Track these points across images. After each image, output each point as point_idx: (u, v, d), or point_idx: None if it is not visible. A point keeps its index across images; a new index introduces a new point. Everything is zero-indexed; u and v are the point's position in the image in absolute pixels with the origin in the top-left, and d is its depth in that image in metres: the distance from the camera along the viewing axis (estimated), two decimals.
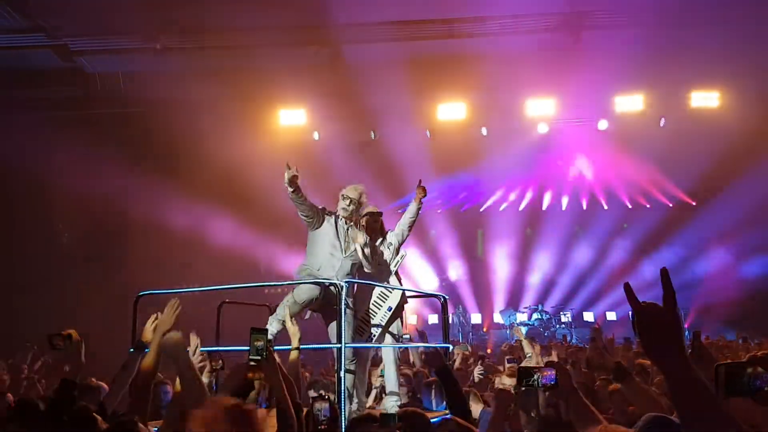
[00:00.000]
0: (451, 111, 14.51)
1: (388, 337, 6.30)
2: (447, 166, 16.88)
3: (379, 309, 6.11)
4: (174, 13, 11.37)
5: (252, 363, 3.16)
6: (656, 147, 15.46)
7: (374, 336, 6.09)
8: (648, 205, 18.74)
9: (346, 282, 5.41)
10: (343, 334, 5.06)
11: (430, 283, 19.34)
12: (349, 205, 6.09)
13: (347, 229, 6.08)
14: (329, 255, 5.97)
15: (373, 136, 14.96)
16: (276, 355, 3.43)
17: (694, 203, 18.11)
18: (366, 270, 6.07)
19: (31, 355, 10.48)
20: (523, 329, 17.27)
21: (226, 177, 14.21)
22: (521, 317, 18.31)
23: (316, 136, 14.84)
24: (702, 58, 12.39)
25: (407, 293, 6.51)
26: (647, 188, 18.45)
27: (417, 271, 19.23)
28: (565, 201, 19.13)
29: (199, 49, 12.48)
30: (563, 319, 17.88)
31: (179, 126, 13.35)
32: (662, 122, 14.40)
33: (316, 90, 13.34)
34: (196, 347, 4.69)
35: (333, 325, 5.70)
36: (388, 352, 6.15)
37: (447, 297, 6.58)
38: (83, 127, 14.07)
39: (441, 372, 4.27)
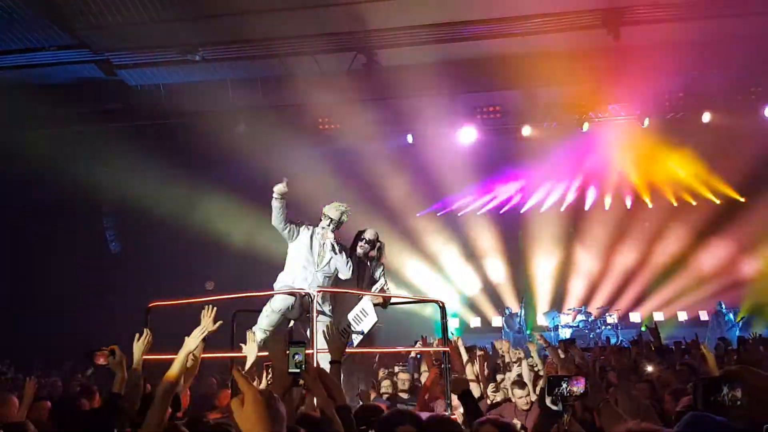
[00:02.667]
0: (489, 112, 14.44)
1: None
2: (485, 167, 16.79)
3: (353, 331, 6.22)
4: (212, 25, 11.53)
5: (291, 375, 3.19)
6: (702, 142, 15.12)
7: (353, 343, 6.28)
8: (694, 203, 18.30)
9: (316, 291, 5.68)
10: (314, 340, 5.22)
11: (472, 286, 19.29)
12: (328, 225, 6.41)
13: (322, 245, 6.36)
14: (302, 268, 6.29)
15: (410, 140, 14.95)
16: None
17: (743, 199, 17.62)
18: (342, 277, 6.32)
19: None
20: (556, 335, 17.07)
21: (265, 184, 14.34)
22: (565, 319, 18.06)
23: (353, 141, 14.90)
24: (746, 49, 12.08)
25: (405, 298, 6.81)
26: (693, 185, 18.03)
27: (458, 276, 19.18)
28: (608, 200, 18.81)
29: (237, 59, 12.66)
30: (609, 320, 17.57)
31: (219, 135, 13.56)
32: (706, 117, 14.07)
33: (352, 96, 13.40)
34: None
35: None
36: None
37: (444, 302, 6.68)
38: (128, 138, 14.41)
39: (463, 396, 4.11)
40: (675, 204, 18.45)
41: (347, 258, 6.53)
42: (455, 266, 19.20)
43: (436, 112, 14.46)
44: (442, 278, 18.92)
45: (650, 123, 14.36)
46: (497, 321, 18.61)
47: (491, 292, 19.30)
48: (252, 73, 13.39)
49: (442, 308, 6.55)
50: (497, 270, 19.48)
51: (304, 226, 6.52)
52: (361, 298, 6.36)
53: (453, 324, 18.00)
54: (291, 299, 6.12)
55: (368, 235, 6.82)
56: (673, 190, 18.33)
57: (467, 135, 14.87)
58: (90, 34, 11.56)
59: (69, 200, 14.89)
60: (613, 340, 16.07)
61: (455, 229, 18.84)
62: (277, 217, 6.39)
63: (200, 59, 12.15)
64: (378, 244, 6.86)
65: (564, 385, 3.11)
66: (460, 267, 19.24)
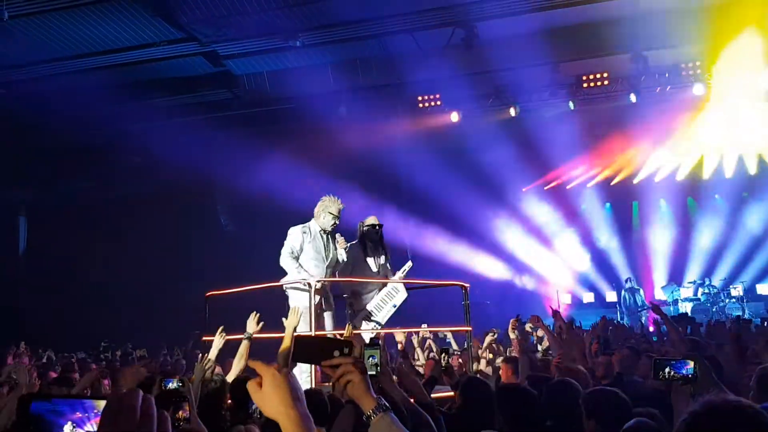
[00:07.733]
0: (596, 79, 13.88)
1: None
2: (593, 137, 16.18)
3: (385, 305, 6.73)
4: (311, 10, 11.72)
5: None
6: None
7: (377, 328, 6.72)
8: None
9: (316, 281, 6.13)
10: (311, 324, 5.86)
11: (582, 262, 18.77)
12: (333, 224, 6.70)
13: (326, 239, 6.73)
14: (314, 267, 6.60)
15: (513, 113, 14.60)
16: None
17: None
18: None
19: (192, 342, 11.33)
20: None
21: (366, 162, 14.55)
22: (686, 292, 17.22)
23: (454, 117, 14.75)
24: None
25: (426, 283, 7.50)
26: None
27: (568, 251, 18.72)
28: (729, 166, 17.63)
29: (335, 42, 12.81)
30: (733, 293, 16.58)
31: (321, 118, 13.82)
32: None
33: (452, 71, 13.27)
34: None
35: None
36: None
37: (468, 285, 6.94)
38: (236, 126, 15.01)
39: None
40: None
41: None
42: (565, 240, 18.72)
43: (539, 82, 14.10)
44: (551, 253, 18.50)
45: None
46: (611, 296, 18.04)
47: (605, 266, 18.66)
48: (351, 54, 13.54)
49: (465, 291, 6.86)
50: (610, 243, 18.81)
51: (303, 236, 6.65)
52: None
53: (565, 301, 17.60)
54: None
55: (369, 220, 7.09)
56: None
57: (573, 104, 14.37)
58: (197, 26, 12.03)
59: (185, 187, 15.65)
60: (736, 314, 15.16)
61: (564, 202, 18.33)
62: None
63: (300, 45, 12.38)
64: (377, 227, 7.09)
65: (669, 369, 3.02)
66: (570, 241, 18.74)
